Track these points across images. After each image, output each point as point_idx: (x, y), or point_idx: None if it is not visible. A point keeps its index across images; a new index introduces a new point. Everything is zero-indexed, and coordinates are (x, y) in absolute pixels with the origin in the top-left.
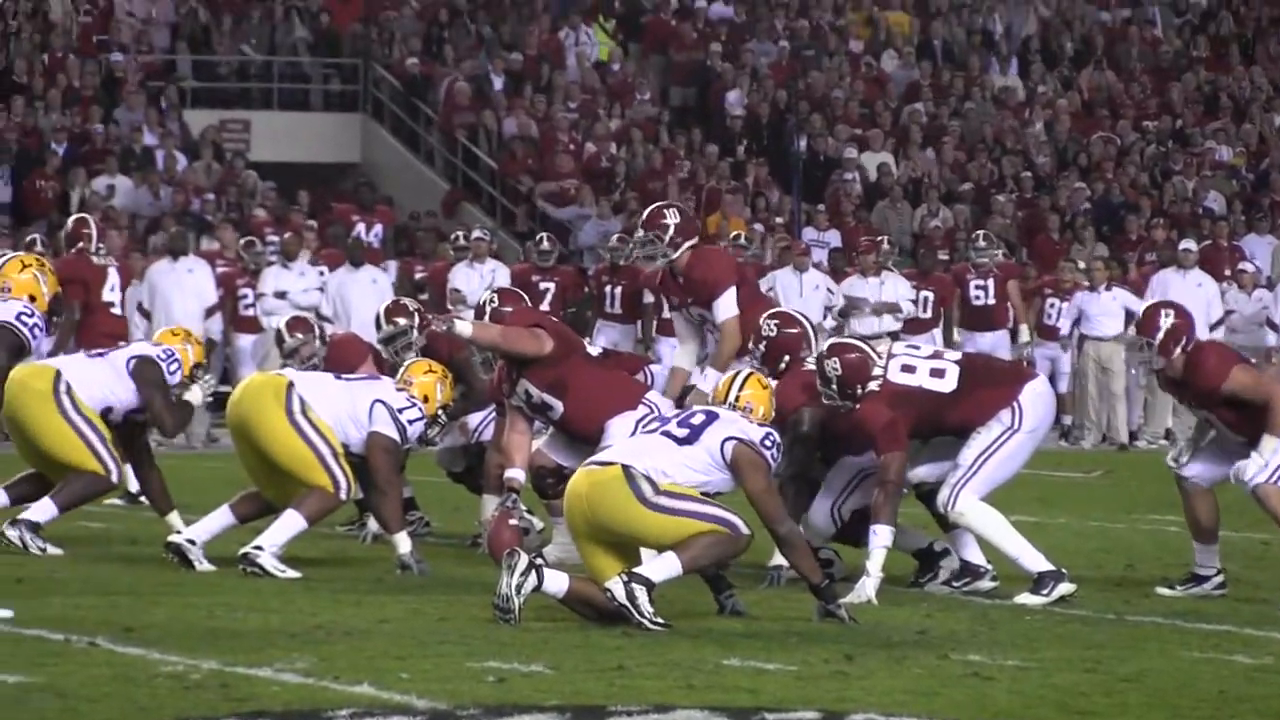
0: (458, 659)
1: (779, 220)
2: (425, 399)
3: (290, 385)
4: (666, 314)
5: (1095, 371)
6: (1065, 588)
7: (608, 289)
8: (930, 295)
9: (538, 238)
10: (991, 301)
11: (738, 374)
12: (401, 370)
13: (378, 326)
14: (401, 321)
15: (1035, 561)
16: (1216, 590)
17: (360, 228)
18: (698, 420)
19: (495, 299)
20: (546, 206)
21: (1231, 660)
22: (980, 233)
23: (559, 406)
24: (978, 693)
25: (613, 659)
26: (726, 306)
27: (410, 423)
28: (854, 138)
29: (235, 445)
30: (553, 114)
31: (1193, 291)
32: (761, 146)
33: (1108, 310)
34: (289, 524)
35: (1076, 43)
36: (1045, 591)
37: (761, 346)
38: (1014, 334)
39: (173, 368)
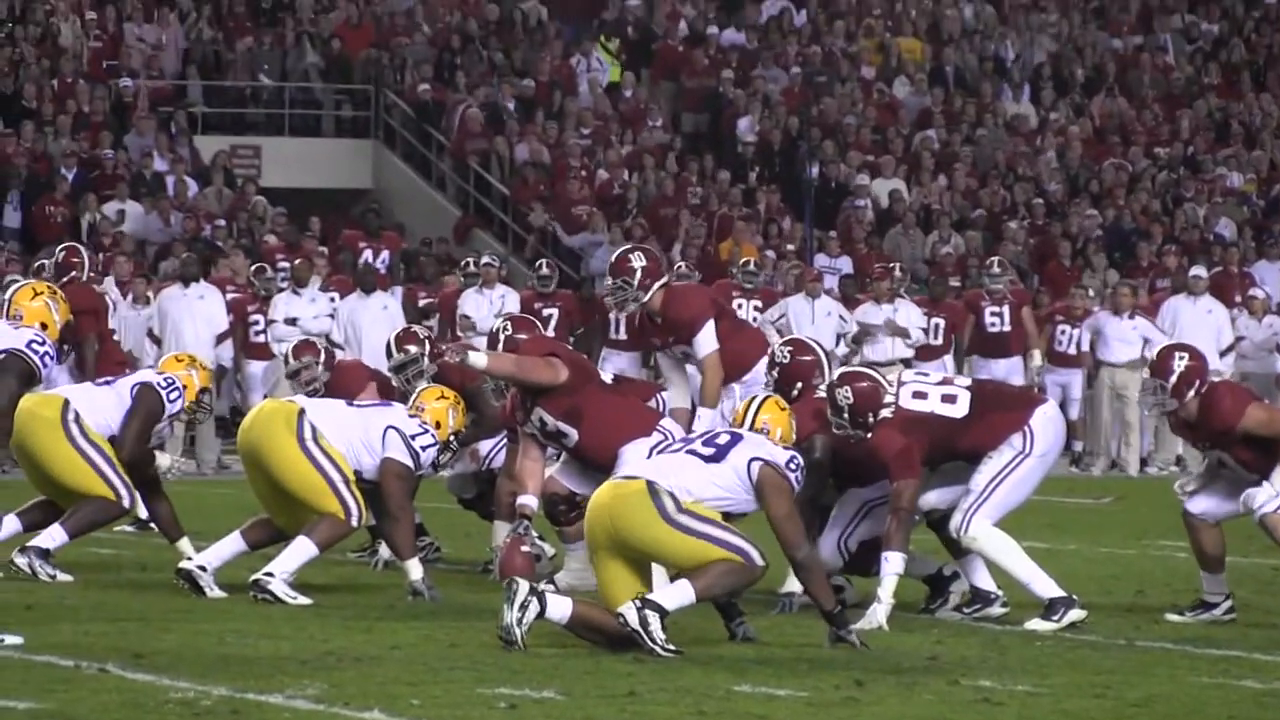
0: (469, 685)
1: (790, 248)
2: (438, 425)
3: (302, 412)
4: None
5: (1110, 398)
6: (1076, 614)
7: (613, 316)
8: (941, 322)
9: (537, 264)
10: (1006, 328)
11: (754, 398)
12: (413, 397)
13: (388, 354)
14: (413, 349)
15: (1047, 587)
16: (1226, 616)
17: (368, 254)
18: (723, 440)
19: (509, 326)
20: (559, 232)
21: (1241, 685)
22: (995, 259)
23: (574, 434)
24: (988, 718)
25: (624, 685)
26: (706, 342)
27: (423, 449)
28: (866, 164)
29: (246, 472)
30: (564, 140)
31: (1203, 318)
32: (773, 173)
33: (1126, 336)
34: (300, 551)
35: (1088, 70)
36: (1056, 618)
37: (775, 373)
38: (1026, 360)
39: (173, 395)
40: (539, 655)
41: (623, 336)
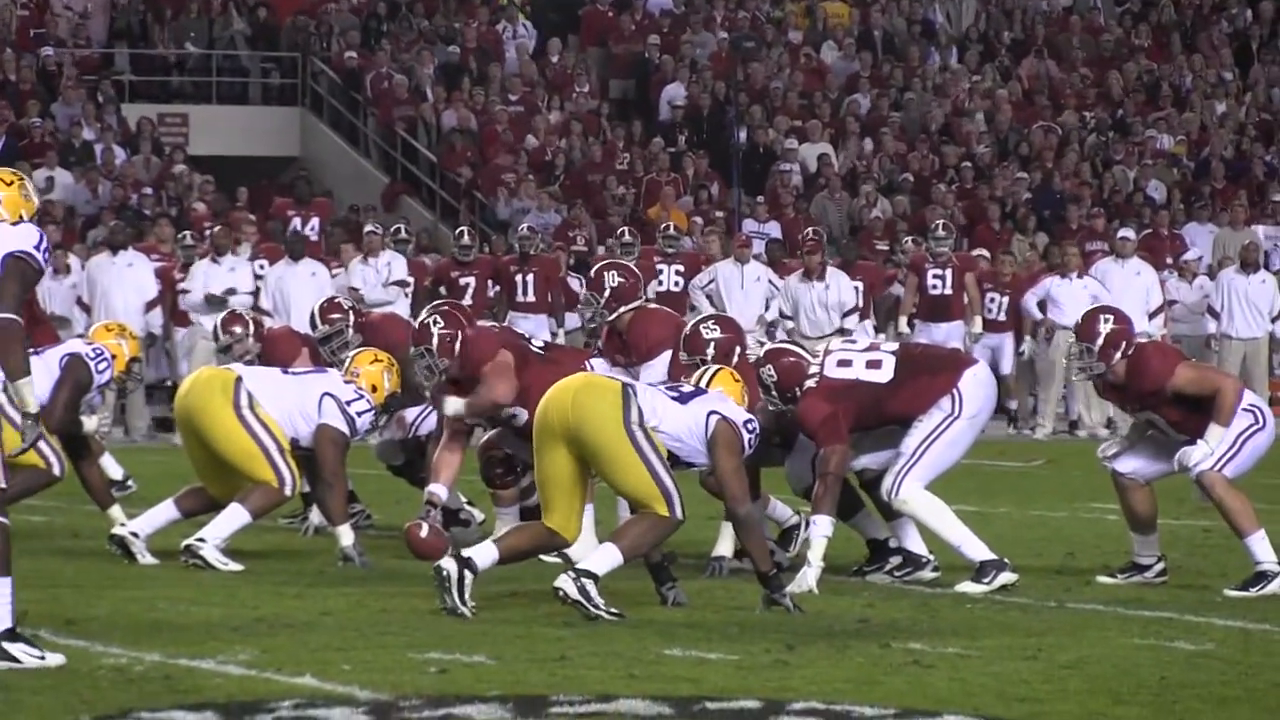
0: (400, 650)
1: (719, 214)
2: (373, 388)
3: (239, 380)
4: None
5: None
6: (1007, 577)
7: (519, 278)
8: (859, 285)
9: (457, 232)
10: (948, 292)
11: (707, 369)
12: (348, 361)
13: (313, 325)
14: (336, 318)
15: (977, 550)
16: (1158, 578)
17: (296, 222)
18: (687, 390)
19: (439, 320)
20: (493, 204)
21: (1172, 647)
22: (939, 222)
23: (524, 414)
24: (918, 681)
25: (555, 649)
26: (656, 372)
27: (359, 414)
28: (793, 129)
29: (181, 438)
30: (490, 107)
31: (1131, 280)
32: (701, 138)
33: (1078, 298)
34: (233, 518)
35: (1017, 32)
36: (987, 580)
37: (710, 350)
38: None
39: (101, 366)
40: (470, 620)
41: (530, 299)
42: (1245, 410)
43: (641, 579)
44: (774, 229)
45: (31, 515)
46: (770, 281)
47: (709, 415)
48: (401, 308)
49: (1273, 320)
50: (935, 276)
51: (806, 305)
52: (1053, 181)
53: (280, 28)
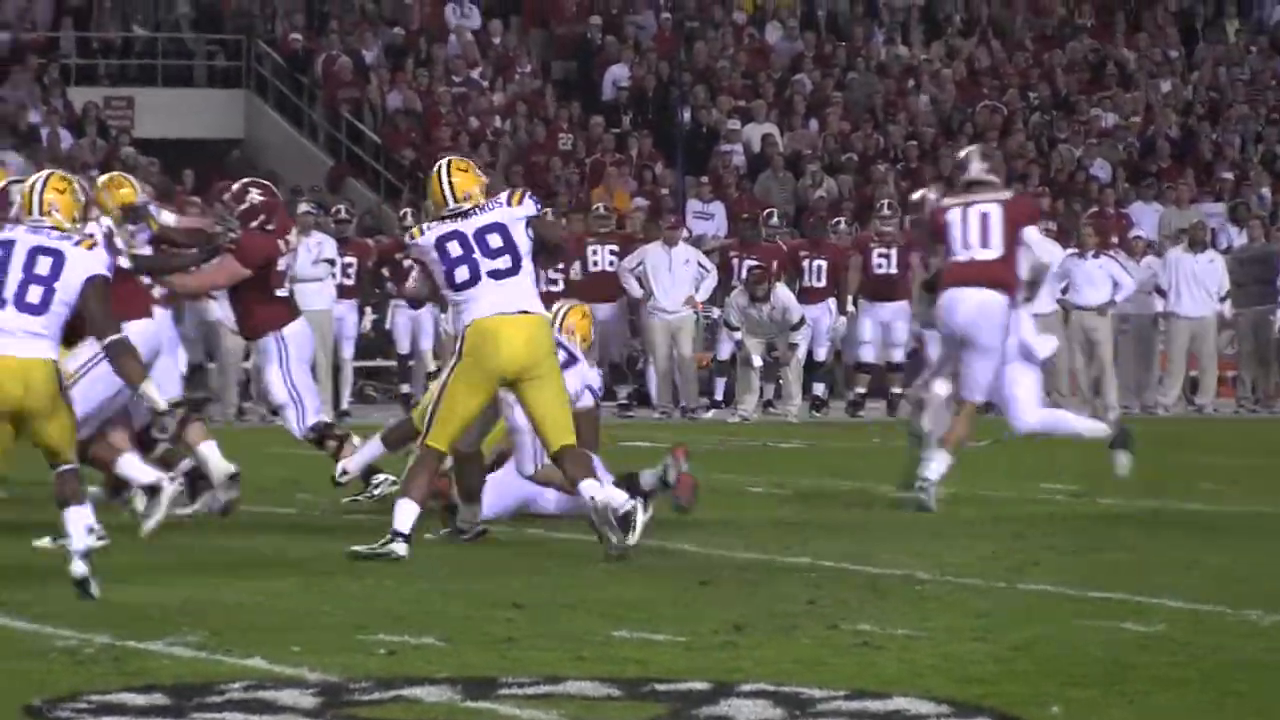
0: (349, 632)
1: (665, 190)
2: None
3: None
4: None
5: (1081, 341)
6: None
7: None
8: (823, 264)
9: (401, 213)
10: (893, 270)
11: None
12: None
13: None
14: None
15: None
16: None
17: None
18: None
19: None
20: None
21: (1123, 628)
22: (885, 201)
23: None
24: (867, 662)
25: (503, 631)
26: None
27: None
28: (737, 109)
29: None
30: (434, 88)
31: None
32: (645, 119)
33: (1093, 278)
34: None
35: (961, 11)
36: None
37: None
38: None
39: None
40: (418, 601)
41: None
42: None
43: (590, 559)
44: (718, 209)
45: None
46: (700, 264)
47: None
48: (328, 287)
49: (1220, 300)
50: (880, 255)
51: (754, 322)
52: None
53: (225, 9)
